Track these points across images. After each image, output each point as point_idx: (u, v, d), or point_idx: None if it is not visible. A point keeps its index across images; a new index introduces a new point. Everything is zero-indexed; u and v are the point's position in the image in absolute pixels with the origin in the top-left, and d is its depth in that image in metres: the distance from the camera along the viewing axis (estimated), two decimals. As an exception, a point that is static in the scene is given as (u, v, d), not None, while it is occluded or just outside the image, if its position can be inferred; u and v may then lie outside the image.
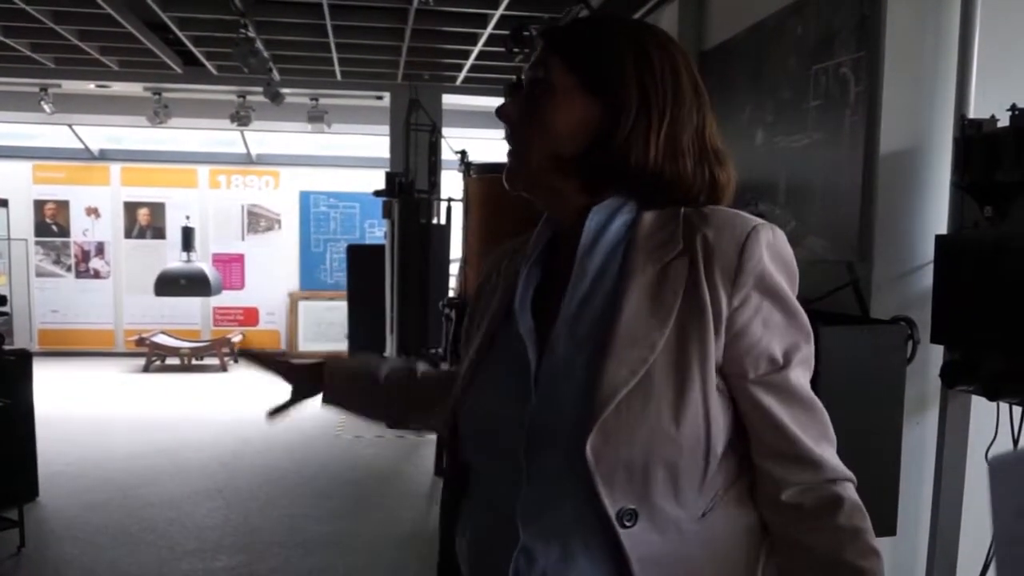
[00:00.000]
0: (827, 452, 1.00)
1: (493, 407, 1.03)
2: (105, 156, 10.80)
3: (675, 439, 0.93)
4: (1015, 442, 2.12)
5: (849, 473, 1.01)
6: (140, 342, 10.11)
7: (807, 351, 1.01)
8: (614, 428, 0.91)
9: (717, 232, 0.97)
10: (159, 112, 8.10)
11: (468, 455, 1.07)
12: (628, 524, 0.93)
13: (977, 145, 2.13)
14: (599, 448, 0.91)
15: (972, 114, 2.20)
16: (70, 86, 8.19)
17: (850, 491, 1.00)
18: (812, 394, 1.01)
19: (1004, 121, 2.07)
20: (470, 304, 1.23)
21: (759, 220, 0.99)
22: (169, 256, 10.38)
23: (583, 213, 1.03)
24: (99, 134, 10.45)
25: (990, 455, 2.10)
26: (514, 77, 6.28)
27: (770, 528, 1.03)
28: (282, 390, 1.47)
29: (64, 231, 10.83)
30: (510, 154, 1.07)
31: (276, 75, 7.20)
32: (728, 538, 1.01)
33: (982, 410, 2.21)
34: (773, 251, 0.97)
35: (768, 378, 0.98)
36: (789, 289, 0.99)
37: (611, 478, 0.92)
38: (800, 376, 1.00)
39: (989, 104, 2.17)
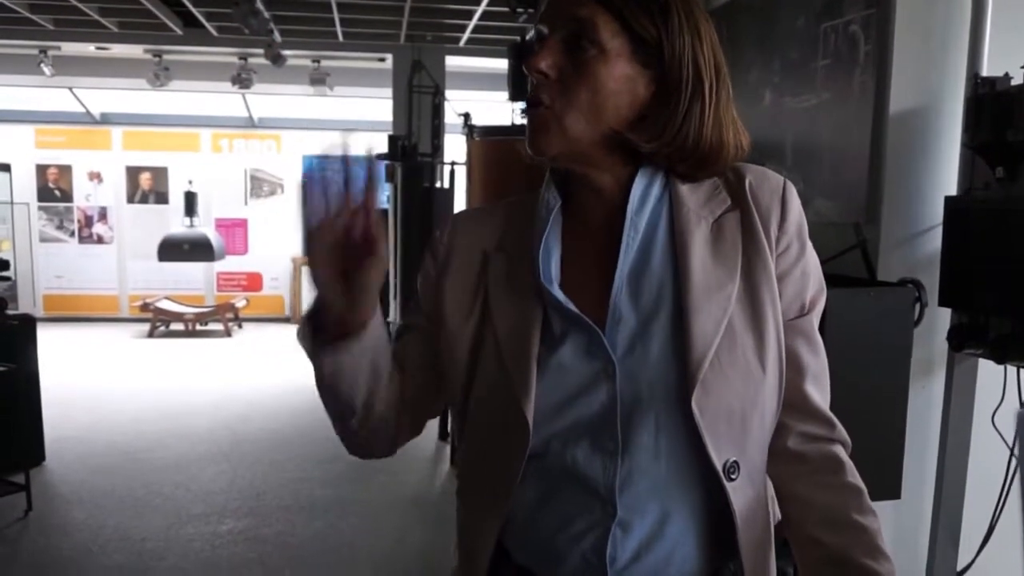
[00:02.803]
0: (831, 413, 1.02)
1: (571, 383, 0.96)
2: (107, 120, 10.75)
3: (762, 382, 0.95)
4: (1022, 405, 2.11)
5: (848, 440, 1.03)
6: (144, 307, 10.14)
7: (823, 302, 1.04)
8: (712, 380, 0.92)
9: (758, 184, 1.01)
10: (159, 74, 8.03)
11: (535, 439, 0.96)
12: (733, 477, 0.94)
13: (989, 104, 2.09)
14: (702, 401, 0.92)
15: (985, 72, 2.16)
16: (70, 48, 8.12)
17: (847, 455, 1.02)
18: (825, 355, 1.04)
19: (1018, 79, 2.03)
20: (431, 285, 1.07)
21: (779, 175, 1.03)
22: (172, 221, 10.37)
23: (619, 180, 0.99)
24: (100, 98, 10.38)
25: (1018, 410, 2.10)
26: (518, 38, 6.20)
27: (775, 484, 1.03)
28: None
29: (67, 196, 10.82)
30: (542, 116, 0.95)
31: (277, 36, 7.11)
32: (765, 494, 1.03)
33: (989, 373, 2.20)
34: (800, 204, 1.02)
35: (796, 322, 1.00)
36: None
37: (715, 430, 0.93)
38: (816, 326, 1.03)
39: (1003, 61, 2.12)
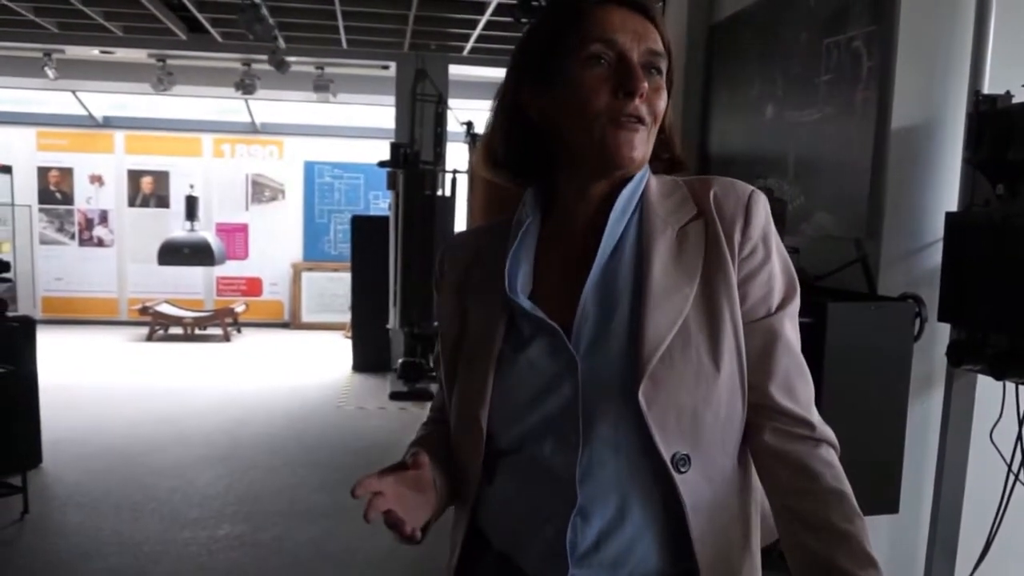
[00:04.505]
0: (815, 415, 1.03)
1: (538, 381, 1.02)
2: (109, 123, 10.77)
3: (716, 381, 0.98)
4: (1020, 422, 2.11)
5: (835, 439, 1.03)
6: (143, 311, 10.13)
7: (797, 304, 1.06)
8: (662, 374, 0.96)
9: (723, 194, 1.05)
10: (163, 79, 8.06)
11: (509, 436, 1.04)
12: (683, 469, 0.97)
13: (990, 121, 2.10)
14: (650, 394, 0.96)
15: (987, 90, 2.17)
16: (74, 52, 8.14)
17: (834, 456, 1.02)
18: (802, 355, 1.06)
19: (1020, 97, 2.04)
20: (443, 307, 1.17)
21: (750, 185, 1.08)
22: (173, 225, 10.38)
23: (612, 183, 1.06)
24: (103, 101, 10.41)
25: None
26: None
27: (766, 492, 1.05)
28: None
29: (68, 198, 10.83)
30: (644, 132, 1.02)
31: (281, 43, 7.14)
32: (744, 491, 1.05)
33: (987, 389, 2.20)
34: (769, 212, 1.06)
35: (764, 321, 1.03)
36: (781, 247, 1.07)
37: (664, 422, 0.96)
38: (791, 329, 1.05)
39: (1004, 79, 2.14)
